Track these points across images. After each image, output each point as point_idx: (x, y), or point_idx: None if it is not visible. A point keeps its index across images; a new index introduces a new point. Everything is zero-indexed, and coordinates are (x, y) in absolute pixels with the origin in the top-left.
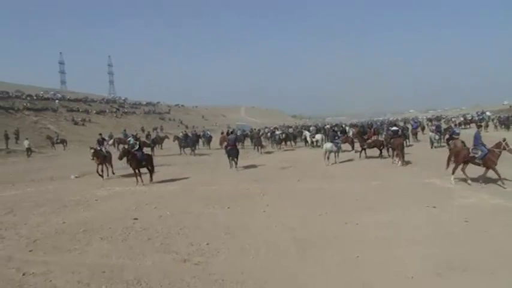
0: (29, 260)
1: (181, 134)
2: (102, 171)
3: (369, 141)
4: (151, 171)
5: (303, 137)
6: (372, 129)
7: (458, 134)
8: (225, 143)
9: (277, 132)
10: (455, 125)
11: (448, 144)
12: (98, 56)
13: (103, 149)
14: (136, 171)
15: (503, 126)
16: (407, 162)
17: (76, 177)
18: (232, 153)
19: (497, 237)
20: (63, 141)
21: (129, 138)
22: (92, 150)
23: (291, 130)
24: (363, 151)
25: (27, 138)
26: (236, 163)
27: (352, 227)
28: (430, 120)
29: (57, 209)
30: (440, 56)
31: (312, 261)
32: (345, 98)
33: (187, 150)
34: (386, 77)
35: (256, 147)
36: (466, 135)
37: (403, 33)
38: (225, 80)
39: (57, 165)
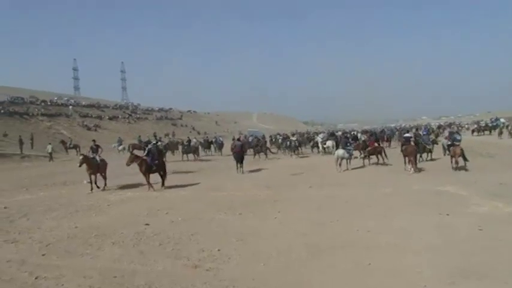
0: (41, 263)
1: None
2: (95, 182)
3: (369, 148)
4: (163, 177)
5: (314, 143)
6: (385, 136)
7: (459, 140)
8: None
9: (292, 139)
10: (457, 131)
11: (449, 151)
12: (111, 63)
13: (96, 157)
14: (146, 176)
15: None
16: (420, 170)
17: (88, 182)
18: (238, 158)
19: None
20: (76, 146)
21: (150, 144)
22: (81, 157)
23: (305, 136)
24: (366, 158)
25: (50, 144)
26: (242, 167)
27: (364, 233)
28: (439, 127)
29: (70, 214)
30: (453, 61)
31: (324, 267)
32: (357, 104)
33: (191, 156)
34: (398, 83)
35: (257, 154)
36: (478, 142)
37: (417, 38)
38: (235, 86)
39: (70, 170)
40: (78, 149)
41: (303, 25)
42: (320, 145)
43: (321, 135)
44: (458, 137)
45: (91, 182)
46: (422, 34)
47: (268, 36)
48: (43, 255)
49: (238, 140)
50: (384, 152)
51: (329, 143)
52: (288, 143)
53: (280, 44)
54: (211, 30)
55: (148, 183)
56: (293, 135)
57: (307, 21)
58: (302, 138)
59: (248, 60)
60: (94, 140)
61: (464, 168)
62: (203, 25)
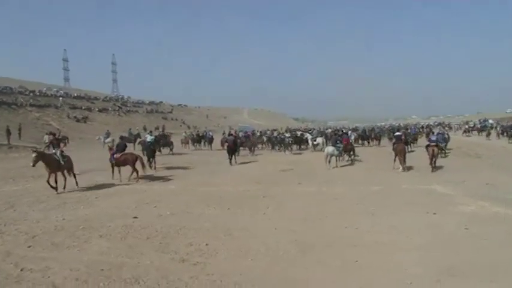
0: (27, 255)
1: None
2: (55, 182)
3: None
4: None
5: (304, 140)
6: (373, 134)
7: (434, 141)
8: (226, 144)
9: (287, 135)
10: (433, 132)
11: (427, 150)
12: (102, 54)
13: (57, 153)
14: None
15: (505, 135)
16: (409, 168)
17: (77, 174)
18: (231, 151)
19: (497, 245)
20: (64, 138)
21: (146, 135)
22: (34, 155)
23: (299, 133)
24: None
25: (47, 134)
26: (233, 159)
27: (352, 231)
28: (422, 127)
29: (57, 206)
30: (443, 63)
31: (311, 264)
32: (347, 102)
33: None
34: (389, 82)
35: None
36: (467, 142)
37: (406, 38)
38: (227, 81)
39: None
40: (66, 141)
41: (299, 26)
42: (310, 142)
43: (312, 132)
44: (433, 138)
45: (49, 182)
46: (413, 36)
47: (263, 33)
48: (29, 247)
49: (231, 134)
50: (353, 151)
51: (319, 139)
52: (285, 140)
53: (276, 42)
54: (205, 25)
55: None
56: (286, 132)
57: (304, 22)
58: (296, 135)
59: (241, 56)
60: (53, 134)
61: (439, 168)
62: (196, 21)
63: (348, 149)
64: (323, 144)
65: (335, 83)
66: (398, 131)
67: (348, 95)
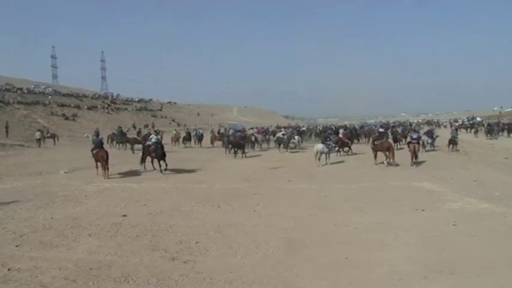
0: (15, 255)
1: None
2: None
3: None
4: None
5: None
6: (363, 132)
7: (416, 138)
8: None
9: (281, 132)
10: (414, 129)
11: (408, 147)
12: (91, 51)
13: None
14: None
15: (488, 136)
16: (398, 166)
17: (66, 172)
18: (237, 146)
19: (484, 241)
20: (53, 136)
21: (151, 136)
22: None
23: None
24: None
25: (38, 130)
26: (244, 153)
27: (342, 228)
28: (411, 124)
29: (46, 204)
30: (433, 61)
31: (301, 261)
32: (337, 99)
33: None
34: (378, 80)
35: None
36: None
37: (394, 36)
38: (217, 79)
39: (47, 160)
40: (56, 139)
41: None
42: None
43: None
44: (414, 136)
45: None
46: (400, 33)
47: (254, 32)
48: (17, 246)
49: (239, 131)
50: (349, 146)
51: (296, 137)
52: (282, 138)
53: (268, 42)
54: (192, 25)
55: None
56: (280, 129)
57: (300, 19)
58: (293, 133)
59: (232, 54)
60: (41, 131)
61: (428, 164)
62: (189, 16)
63: (343, 145)
64: (299, 143)
65: (324, 81)
66: (381, 127)
67: (338, 92)
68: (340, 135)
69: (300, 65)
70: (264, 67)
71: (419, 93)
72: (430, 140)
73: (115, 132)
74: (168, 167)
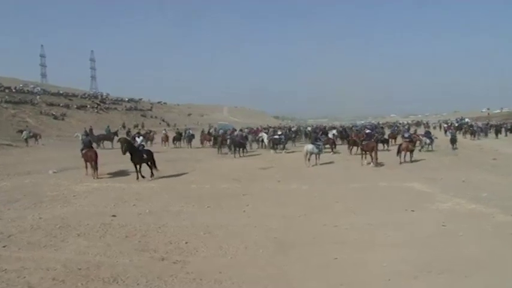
0: (2, 255)
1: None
2: None
3: None
4: (151, 168)
5: (260, 140)
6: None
7: (407, 138)
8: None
9: (279, 133)
10: (407, 129)
11: (400, 146)
12: (80, 50)
13: None
14: (137, 166)
15: (473, 137)
16: (387, 166)
17: (54, 172)
18: (239, 145)
19: (472, 242)
20: (35, 135)
21: (139, 138)
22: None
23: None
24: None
25: (25, 130)
26: (244, 152)
27: (331, 228)
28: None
29: (34, 204)
30: (433, 61)
31: (291, 261)
32: (337, 100)
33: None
34: (368, 81)
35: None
36: (445, 141)
37: (386, 37)
38: (217, 79)
39: (36, 159)
40: (38, 138)
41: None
42: (266, 141)
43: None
44: (406, 135)
45: None
46: (392, 34)
47: (247, 31)
48: (4, 246)
49: (241, 130)
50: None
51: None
52: (278, 139)
53: (260, 42)
54: (181, 25)
55: (138, 173)
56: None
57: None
58: (289, 134)
59: (223, 53)
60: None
61: (417, 165)
62: (181, 16)
63: (330, 143)
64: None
65: (325, 80)
66: (366, 128)
67: (338, 92)
68: (330, 136)
69: (300, 65)
70: (264, 67)
71: (420, 94)
72: (428, 141)
73: (105, 133)
74: (158, 167)
